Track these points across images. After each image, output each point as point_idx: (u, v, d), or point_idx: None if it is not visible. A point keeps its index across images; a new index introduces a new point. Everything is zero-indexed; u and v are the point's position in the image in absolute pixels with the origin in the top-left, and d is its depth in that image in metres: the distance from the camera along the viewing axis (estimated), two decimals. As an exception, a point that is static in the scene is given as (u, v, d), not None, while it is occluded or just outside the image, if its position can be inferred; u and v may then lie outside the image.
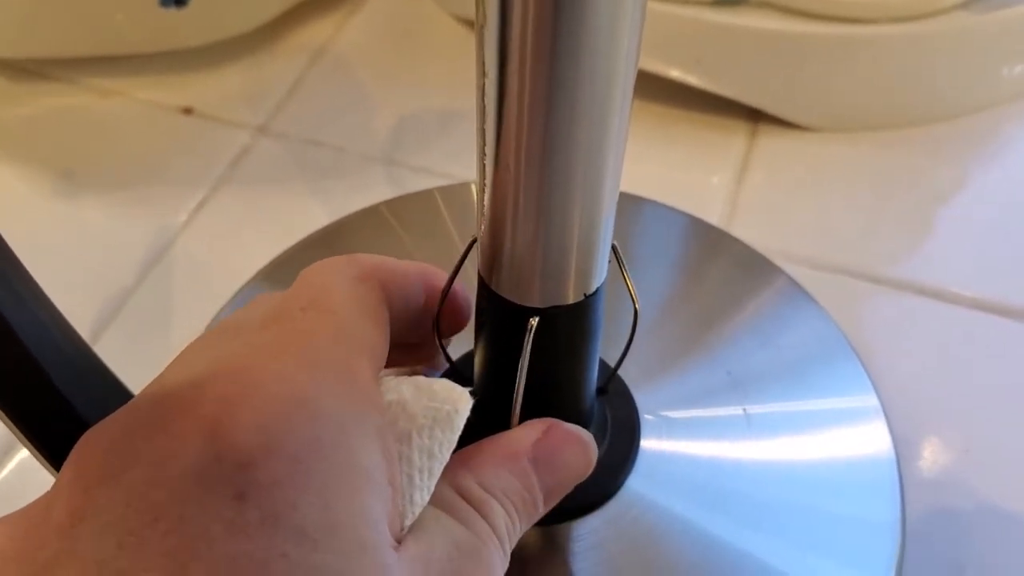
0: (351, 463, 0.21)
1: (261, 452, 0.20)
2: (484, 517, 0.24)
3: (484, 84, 0.21)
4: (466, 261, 0.28)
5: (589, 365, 0.30)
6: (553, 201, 0.23)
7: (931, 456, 0.38)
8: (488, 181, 0.23)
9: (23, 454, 0.40)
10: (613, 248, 0.27)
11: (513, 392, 0.29)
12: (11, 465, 0.40)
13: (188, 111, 0.55)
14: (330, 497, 0.20)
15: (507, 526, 0.25)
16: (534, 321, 0.26)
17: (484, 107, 0.22)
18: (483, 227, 0.25)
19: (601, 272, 0.26)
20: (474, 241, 0.27)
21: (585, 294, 0.26)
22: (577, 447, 0.28)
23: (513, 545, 0.26)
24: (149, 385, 0.23)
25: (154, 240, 0.48)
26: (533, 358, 0.27)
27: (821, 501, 0.33)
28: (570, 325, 0.27)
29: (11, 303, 0.24)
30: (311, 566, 0.19)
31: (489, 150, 0.22)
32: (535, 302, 0.26)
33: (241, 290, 0.39)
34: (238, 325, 0.24)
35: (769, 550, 0.32)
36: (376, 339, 0.25)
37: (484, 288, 0.27)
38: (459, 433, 0.25)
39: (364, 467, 0.21)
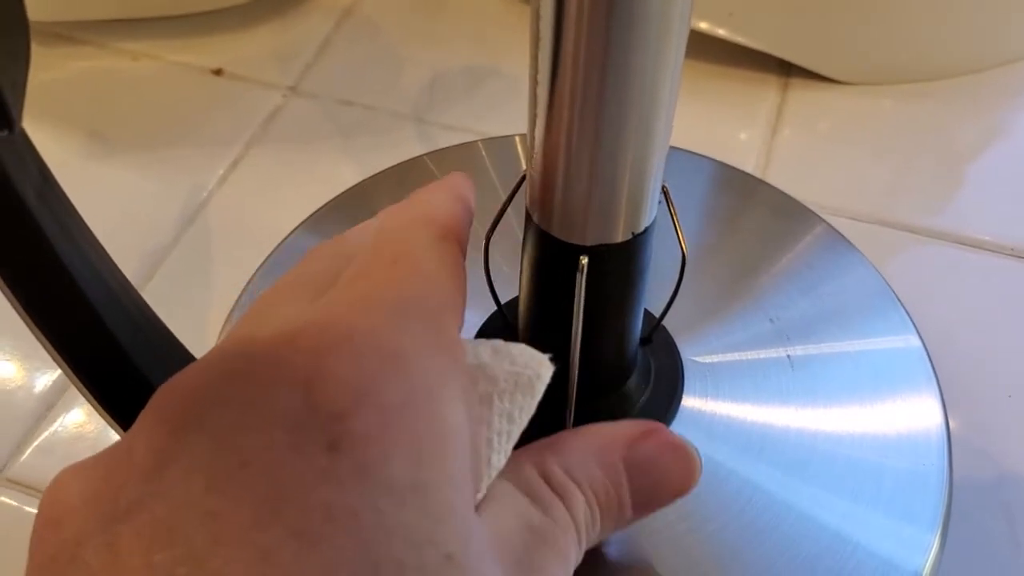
0: (441, 421, 0.20)
1: (354, 404, 0.19)
2: (565, 504, 0.24)
3: (539, 8, 0.21)
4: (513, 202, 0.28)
5: (635, 310, 0.30)
6: (606, 135, 0.23)
7: (975, 401, 0.38)
8: (540, 114, 0.23)
9: (72, 407, 0.40)
10: (663, 190, 0.27)
11: (560, 335, 0.29)
12: (60, 419, 0.40)
13: (219, 72, 0.55)
14: (421, 455, 0.19)
15: (587, 520, 0.24)
16: (584, 260, 0.26)
17: (539, 33, 0.22)
18: (534, 161, 0.25)
19: (651, 211, 0.26)
20: (523, 178, 0.27)
21: (634, 233, 0.26)
22: (680, 459, 0.26)
23: (592, 543, 0.25)
24: (228, 339, 0.23)
25: (189, 199, 0.48)
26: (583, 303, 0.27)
27: (866, 448, 0.33)
28: (619, 266, 0.27)
29: (71, 252, 0.24)
30: (399, 523, 0.18)
31: (543, 80, 0.22)
32: (584, 240, 0.26)
33: (281, 245, 0.39)
34: (315, 279, 0.24)
35: (813, 499, 0.32)
36: (459, 299, 0.24)
37: (532, 227, 0.27)
38: (539, 399, 0.24)
39: (452, 426, 0.21)
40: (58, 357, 0.24)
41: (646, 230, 0.26)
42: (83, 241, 0.24)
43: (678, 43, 0.22)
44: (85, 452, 0.39)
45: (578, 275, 0.26)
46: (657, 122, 0.23)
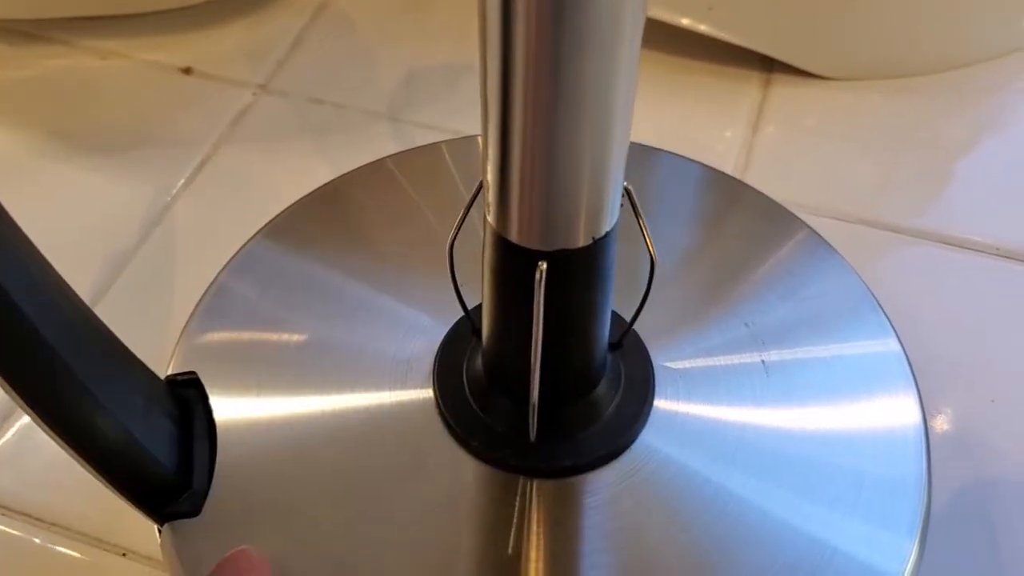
0: None
1: None
2: None
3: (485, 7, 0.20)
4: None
5: (600, 315, 0.29)
6: (560, 136, 0.22)
7: (957, 407, 0.37)
8: (492, 115, 0.22)
9: (22, 420, 0.39)
10: (627, 192, 0.26)
11: (523, 342, 0.28)
12: (11, 432, 0.39)
13: (188, 71, 0.54)
14: None
15: None
16: (543, 266, 0.25)
17: (487, 32, 0.21)
18: (489, 166, 0.24)
19: (613, 214, 0.25)
20: (480, 186, 0.26)
21: (595, 237, 0.25)
22: None
23: None
24: None
25: (154, 201, 0.47)
26: (544, 308, 0.26)
27: (844, 454, 0.32)
28: (581, 271, 0.26)
29: (4, 263, 0.23)
30: None
31: (492, 78, 0.21)
32: (543, 245, 0.25)
33: (244, 247, 0.38)
34: None
35: (789, 506, 0.31)
36: None
37: (490, 232, 0.26)
38: None
39: None
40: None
41: (607, 234, 0.25)
42: (13, 244, 0.23)
43: (632, 37, 0.21)
44: (41, 464, 0.38)
45: (536, 282, 0.25)
46: (614, 120, 0.22)
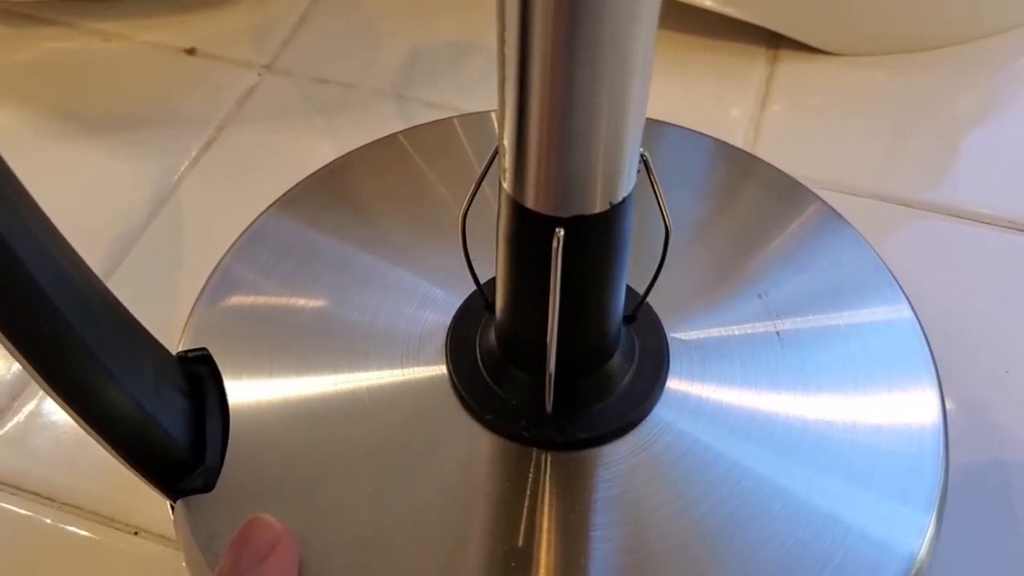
0: None
1: None
2: None
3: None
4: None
5: (616, 285, 0.29)
6: (578, 97, 0.22)
7: (971, 379, 0.37)
8: (510, 76, 0.22)
9: (31, 400, 0.39)
10: (643, 158, 0.26)
11: (538, 313, 0.28)
12: (20, 412, 0.39)
13: (192, 52, 0.53)
14: None
15: None
16: (560, 233, 0.25)
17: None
18: (506, 130, 0.23)
19: (630, 180, 0.25)
20: (494, 155, 0.26)
21: (612, 203, 0.25)
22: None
23: None
24: None
25: (160, 181, 0.46)
26: (560, 276, 0.26)
27: (859, 427, 0.32)
28: (597, 238, 0.26)
29: (22, 236, 0.23)
30: None
31: (510, 39, 0.21)
32: (560, 211, 0.24)
33: (257, 220, 0.37)
34: None
35: (804, 480, 0.31)
36: None
37: (505, 199, 0.25)
38: None
39: None
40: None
41: (625, 200, 0.25)
42: (18, 203, 0.23)
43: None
44: (51, 443, 0.38)
45: (554, 249, 0.25)
46: (633, 81, 0.22)
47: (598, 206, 0.25)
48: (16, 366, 0.40)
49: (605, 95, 0.22)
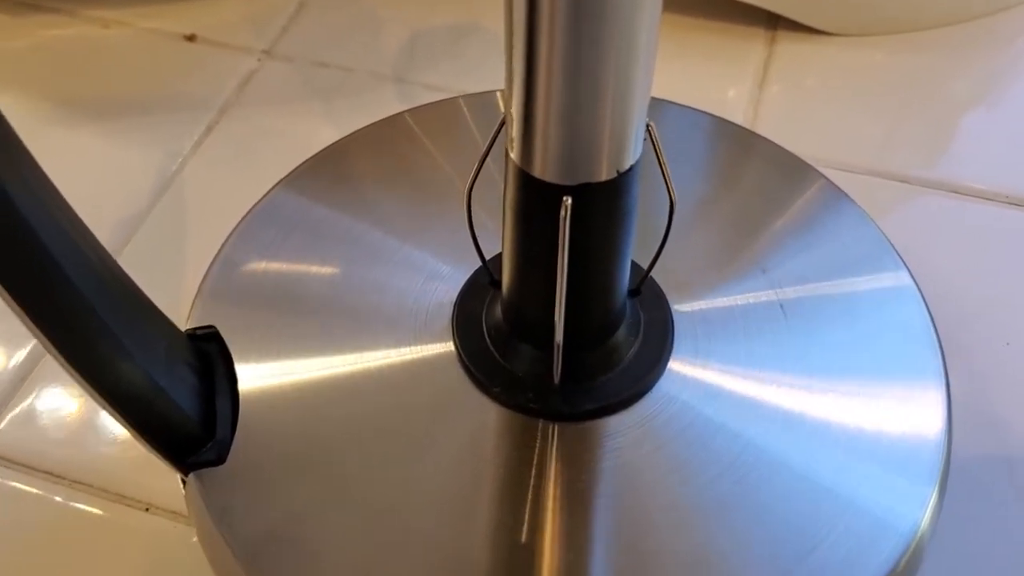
0: None
1: None
2: None
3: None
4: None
5: (622, 256, 0.29)
6: (586, 62, 0.22)
7: (971, 350, 0.37)
8: (518, 42, 0.22)
9: (41, 379, 0.39)
10: (648, 129, 0.26)
11: (545, 285, 0.28)
12: (30, 391, 0.39)
13: (191, 38, 0.53)
14: None
15: None
16: (568, 201, 0.25)
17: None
18: (513, 98, 0.24)
19: (636, 148, 0.25)
20: (502, 123, 0.26)
21: (619, 170, 0.25)
22: None
23: None
24: None
25: (162, 166, 0.47)
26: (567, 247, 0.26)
27: (862, 399, 0.32)
28: (604, 206, 0.26)
29: (40, 213, 0.23)
30: None
31: (519, 10, 0.21)
32: (567, 179, 0.25)
33: (257, 205, 0.38)
34: None
35: (807, 452, 0.31)
36: None
37: (513, 168, 0.26)
38: None
39: None
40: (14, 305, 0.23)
41: (631, 168, 0.25)
42: (34, 180, 0.23)
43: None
44: (61, 422, 0.38)
45: (562, 217, 0.25)
46: (638, 46, 0.22)
47: (604, 174, 0.25)
48: (24, 347, 0.40)
49: (612, 60, 0.22)
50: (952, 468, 0.31)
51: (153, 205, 0.45)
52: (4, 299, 0.23)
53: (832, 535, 0.29)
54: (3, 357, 0.40)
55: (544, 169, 0.25)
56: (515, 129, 0.25)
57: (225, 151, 0.47)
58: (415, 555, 0.29)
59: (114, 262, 0.27)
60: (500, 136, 0.27)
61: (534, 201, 0.26)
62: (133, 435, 0.28)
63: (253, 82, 0.51)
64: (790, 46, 0.51)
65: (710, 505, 0.30)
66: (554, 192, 0.25)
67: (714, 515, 0.30)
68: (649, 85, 0.24)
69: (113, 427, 0.38)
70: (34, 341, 0.39)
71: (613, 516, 0.30)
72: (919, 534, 0.29)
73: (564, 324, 0.29)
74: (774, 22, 0.52)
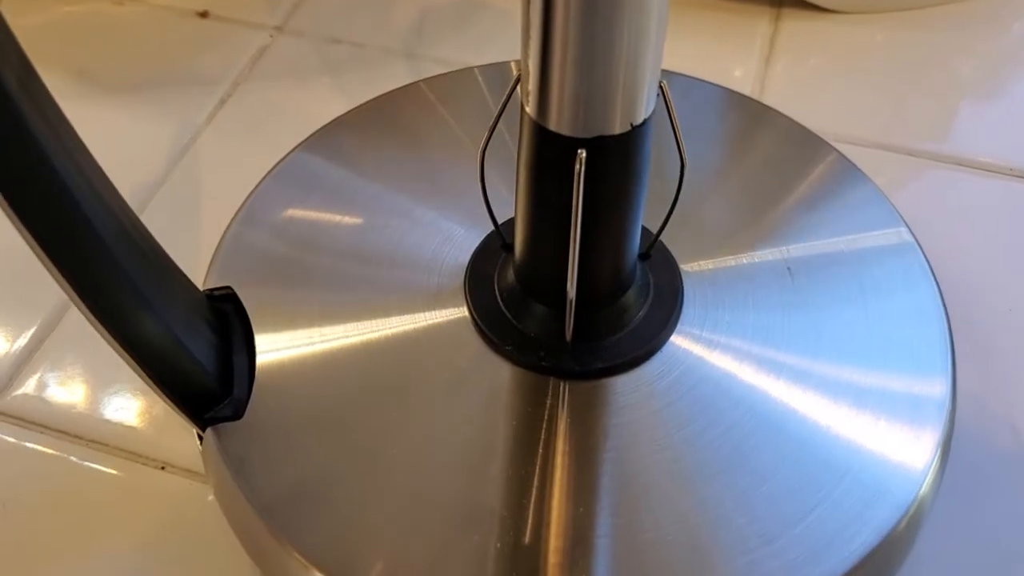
0: None
1: None
2: None
3: None
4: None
5: (634, 213, 0.29)
6: (601, 13, 0.22)
7: (975, 316, 0.38)
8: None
9: (56, 340, 0.40)
10: (661, 88, 0.27)
11: (558, 243, 0.28)
12: (46, 352, 0.40)
13: (204, 15, 0.54)
14: None
15: None
16: (583, 154, 0.25)
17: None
18: (530, 51, 0.24)
19: (649, 100, 0.25)
20: (516, 81, 0.27)
21: (632, 124, 0.25)
22: None
23: None
24: None
25: (176, 139, 0.47)
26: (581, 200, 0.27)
27: (868, 358, 0.33)
28: (618, 160, 0.26)
29: (71, 169, 0.24)
30: None
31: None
32: (582, 131, 0.25)
33: (282, 161, 0.38)
34: None
35: (814, 409, 0.32)
36: None
37: (527, 122, 0.26)
38: None
39: None
40: (33, 243, 0.23)
41: (644, 122, 0.26)
42: (67, 138, 0.24)
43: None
44: (79, 383, 0.38)
45: (576, 171, 0.26)
46: (650, 8, 0.22)
47: (618, 127, 0.25)
48: (43, 310, 0.41)
49: (626, 10, 0.22)
50: (956, 434, 0.32)
51: (167, 175, 0.46)
52: (35, 251, 0.24)
53: (830, 499, 0.30)
54: (22, 320, 0.40)
55: (560, 122, 0.25)
56: (531, 82, 0.25)
57: (237, 124, 0.48)
58: (429, 508, 0.29)
59: (137, 219, 0.28)
60: (513, 100, 0.27)
61: (549, 155, 0.27)
62: (153, 389, 0.29)
63: (265, 57, 0.51)
64: (795, 24, 0.52)
65: (712, 464, 0.30)
66: (569, 145, 0.25)
67: (716, 473, 0.30)
68: (662, 40, 0.24)
69: (130, 387, 0.38)
70: (52, 303, 0.40)
71: (622, 470, 0.30)
72: (917, 501, 0.30)
73: (576, 281, 0.29)
74: (779, 0, 0.53)
